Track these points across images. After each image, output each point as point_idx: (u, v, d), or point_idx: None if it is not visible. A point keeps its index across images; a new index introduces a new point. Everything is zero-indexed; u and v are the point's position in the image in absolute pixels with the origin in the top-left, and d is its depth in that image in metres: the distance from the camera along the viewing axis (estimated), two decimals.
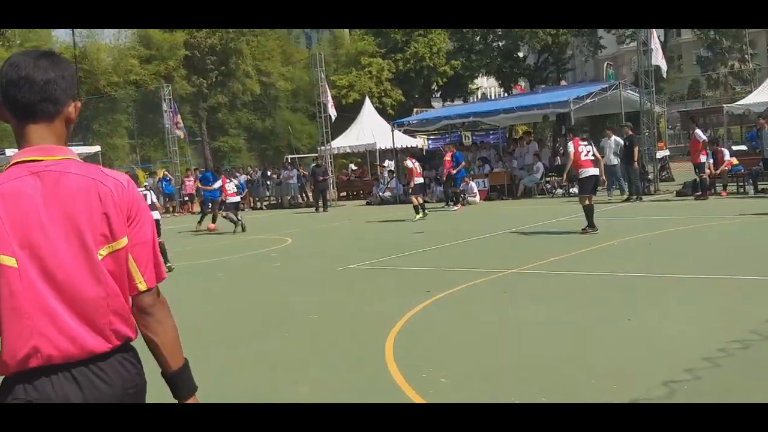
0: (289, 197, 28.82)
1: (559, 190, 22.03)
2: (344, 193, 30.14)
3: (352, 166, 33.95)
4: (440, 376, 5.00)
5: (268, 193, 30.09)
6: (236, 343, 6.57)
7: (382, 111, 39.10)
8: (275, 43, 49.89)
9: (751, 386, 4.32)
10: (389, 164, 28.11)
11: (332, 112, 27.51)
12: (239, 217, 17.82)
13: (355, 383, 5.09)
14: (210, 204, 18.61)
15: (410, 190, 18.64)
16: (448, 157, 21.09)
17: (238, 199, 18.41)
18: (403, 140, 28.85)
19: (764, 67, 53.09)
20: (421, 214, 17.31)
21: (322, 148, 28.07)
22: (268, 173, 30.13)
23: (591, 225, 12.06)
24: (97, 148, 31.19)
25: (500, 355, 5.47)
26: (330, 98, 28.05)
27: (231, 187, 18.08)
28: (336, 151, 29.84)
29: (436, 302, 7.51)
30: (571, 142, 12.67)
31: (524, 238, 12.67)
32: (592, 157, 12.35)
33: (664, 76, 20.21)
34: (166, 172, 30.49)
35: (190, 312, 8.32)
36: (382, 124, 30.50)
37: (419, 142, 30.55)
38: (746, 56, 58.08)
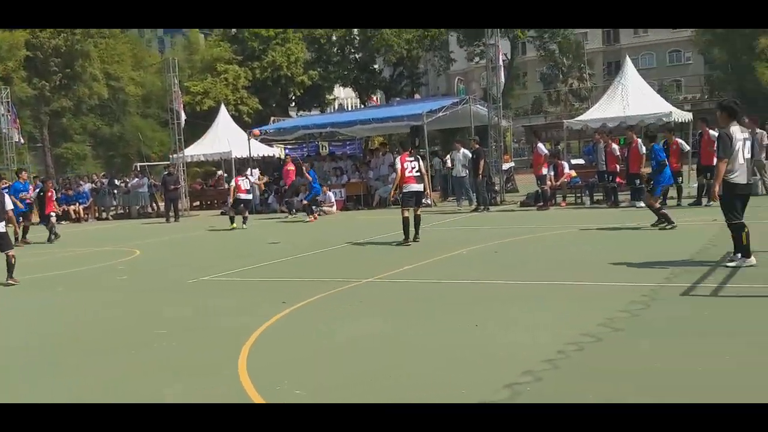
0: (138, 207, 27.65)
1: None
2: (197, 203, 29.33)
3: (221, 173, 32.37)
4: (295, 387, 4.97)
5: (115, 203, 28.71)
6: (77, 362, 6.21)
7: (238, 119, 38.49)
8: (125, 46, 47.94)
9: (586, 386, 4.62)
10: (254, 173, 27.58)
11: (182, 117, 26.63)
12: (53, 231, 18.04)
13: (207, 397, 4.95)
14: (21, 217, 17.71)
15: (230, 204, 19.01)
16: (291, 167, 21.56)
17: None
18: (260, 149, 28.53)
19: (600, 86, 57.13)
20: (236, 225, 18.15)
21: (175, 156, 27.15)
22: (116, 181, 28.75)
23: (407, 237, 12.55)
24: None
25: (356, 366, 5.52)
26: (182, 104, 27.21)
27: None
28: (189, 160, 28.96)
29: (291, 313, 7.47)
30: (399, 157, 13.10)
31: (379, 247, 12.88)
32: (417, 174, 12.68)
33: (498, 94, 21.27)
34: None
35: (24, 330, 7.77)
36: (238, 132, 30.01)
37: (276, 151, 30.34)
38: (584, 75, 62.37)
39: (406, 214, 12.62)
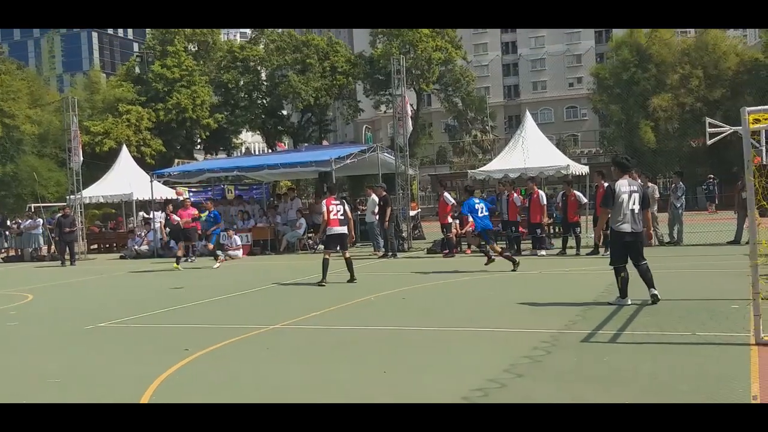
0: (31, 249, 26.35)
1: (321, 246, 22.51)
2: (95, 246, 28.24)
3: (145, 214, 31.08)
4: None
5: (6, 245, 27.27)
6: None
7: (140, 160, 37.62)
8: (22, 83, 46.30)
9: None
10: (158, 216, 26.77)
11: (77, 159, 25.69)
12: None
13: None
14: None
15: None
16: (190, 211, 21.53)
17: None
18: (163, 191, 27.86)
19: (502, 138, 59.23)
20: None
21: (72, 197, 26.14)
22: (8, 222, 27.36)
23: (324, 278, 13.08)
24: None
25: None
26: (80, 144, 26.33)
27: None
28: (87, 201, 27.93)
29: (194, 361, 7.25)
30: (325, 201, 13.47)
31: (287, 292, 12.77)
32: (342, 217, 13.27)
33: (405, 143, 21.74)
34: None
35: None
36: (140, 174, 29.25)
37: (182, 194, 29.70)
38: (487, 128, 64.54)
39: (327, 256, 13.23)
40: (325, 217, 13.16)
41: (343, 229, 13.25)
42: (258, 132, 57.35)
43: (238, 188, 31.31)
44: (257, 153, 55.37)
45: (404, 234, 21.67)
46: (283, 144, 54.35)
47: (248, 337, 8.43)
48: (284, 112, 56.56)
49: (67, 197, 27.52)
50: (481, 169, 25.52)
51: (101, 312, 11.13)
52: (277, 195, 29.61)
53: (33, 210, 28.68)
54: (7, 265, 24.49)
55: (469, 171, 26.36)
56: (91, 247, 27.61)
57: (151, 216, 24.73)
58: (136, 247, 24.49)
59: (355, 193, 42.68)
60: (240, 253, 21.82)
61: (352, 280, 13.31)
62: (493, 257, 14.15)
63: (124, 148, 33.19)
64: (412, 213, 23.82)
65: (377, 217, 19.72)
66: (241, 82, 52.26)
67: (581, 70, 75.16)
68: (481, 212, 14.14)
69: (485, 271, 14.25)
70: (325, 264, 13.12)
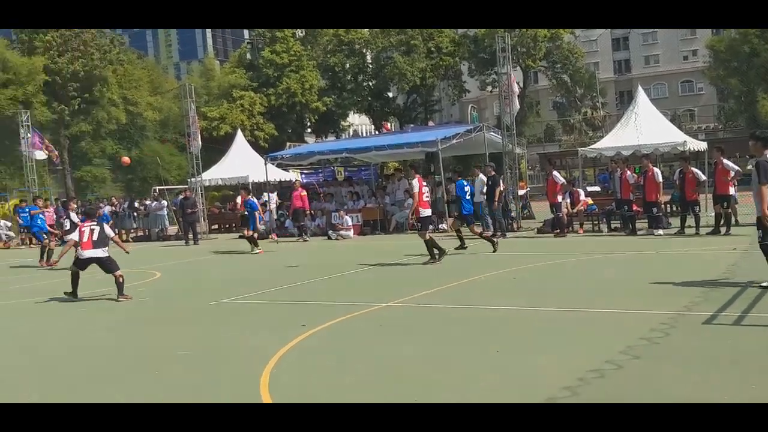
0: (157, 230, 27.83)
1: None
2: (216, 226, 29.48)
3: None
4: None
5: (135, 225, 28.93)
6: (100, 384, 6.25)
7: (254, 144, 38.78)
8: (142, 72, 48.59)
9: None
10: (272, 197, 27.69)
11: (196, 144, 26.84)
12: None
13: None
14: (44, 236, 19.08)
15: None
16: (303, 192, 22.36)
17: None
18: (276, 174, 28.69)
19: (613, 114, 57.22)
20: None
21: (192, 179, 27.42)
22: (135, 204, 28.98)
23: (432, 257, 13.35)
24: None
25: (378, 390, 5.52)
26: (198, 129, 27.47)
27: None
28: (207, 183, 29.19)
29: (312, 336, 7.49)
30: (416, 179, 13.69)
31: (397, 271, 12.92)
32: (427, 199, 13.83)
33: (511, 122, 21.38)
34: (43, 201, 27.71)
35: (57, 345, 7.83)
36: (254, 157, 30.22)
37: (292, 176, 30.50)
38: (597, 104, 62.46)
39: (428, 236, 13.45)
40: (418, 198, 13.45)
41: (429, 212, 13.77)
42: (365, 114, 57.93)
43: (348, 170, 31.84)
44: (365, 135, 56.02)
45: (513, 214, 21.40)
46: (389, 125, 54.79)
47: (361, 314, 8.61)
48: (390, 94, 56.80)
49: (188, 180, 28.87)
50: (592, 146, 24.74)
51: (224, 288, 11.67)
52: (385, 176, 29.87)
53: (158, 192, 30.24)
54: (135, 244, 25.91)
55: (579, 149, 25.64)
56: (212, 227, 28.83)
57: (266, 198, 25.52)
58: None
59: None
60: (351, 233, 22.23)
61: (434, 260, 13.43)
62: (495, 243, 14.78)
63: (239, 133, 34.30)
64: (520, 192, 23.47)
65: (485, 197, 19.56)
66: (347, 66, 52.83)
67: (696, 43, 71.26)
68: (467, 195, 14.77)
69: (598, 252, 13.91)
70: (431, 243, 13.34)
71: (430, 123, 50.45)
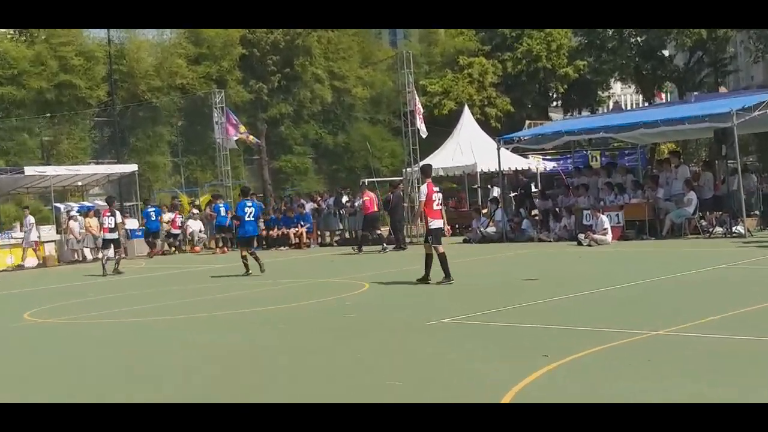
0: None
1: (719, 229, 21.50)
2: None
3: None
4: None
5: (341, 226, 30.12)
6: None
7: (484, 124, 39.12)
8: (352, 39, 49.91)
9: None
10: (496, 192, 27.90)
11: (422, 128, 27.56)
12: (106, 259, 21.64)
13: None
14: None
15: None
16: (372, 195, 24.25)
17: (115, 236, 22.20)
18: (512, 161, 28.73)
19: None
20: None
21: (409, 170, 28.00)
22: (343, 200, 29.94)
23: (447, 276, 14.29)
24: (134, 167, 32.30)
25: None
26: (420, 108, 28.14)
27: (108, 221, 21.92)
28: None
29: (556, 370, 7.39)
30: (425, 185, 14.60)
31: (673, 289, 12.47)
32: (438, 207, 14.62)
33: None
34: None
35: (264, 365, 8.44)
36: (484, 140, 30.47)
37: (532, 163, 30.37)
38: None
39: (442, 250, 14.48)
40: (425, 208, 14.34)
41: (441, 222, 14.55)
42: (631, 81, 56.06)
43: (605, 154, 31.14)
44: (629, 108, 54.36)
45: None
46: (663, 95, 52.71)
47: (621, 344, 8.35)
48: (665, 52, 54.48)
49: (404, 170, 29.48)
50: None
51: (443, 304, 11.93)
52: (657, 162, 28.78)
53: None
54: (339, 249, 27.08)
55: None
56: None
57: (495, 193, 25.69)
58: (481, 228, 25.62)
59: (766, 158, 39.67)
60: (609, 237, 21.68)
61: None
62: None
63: (466, 110, 34.58)
64: None
65: None
66: None
67: None
68: None
69: None
70: (443, 259, 14.23)
71: (722, 89, 47.82)
